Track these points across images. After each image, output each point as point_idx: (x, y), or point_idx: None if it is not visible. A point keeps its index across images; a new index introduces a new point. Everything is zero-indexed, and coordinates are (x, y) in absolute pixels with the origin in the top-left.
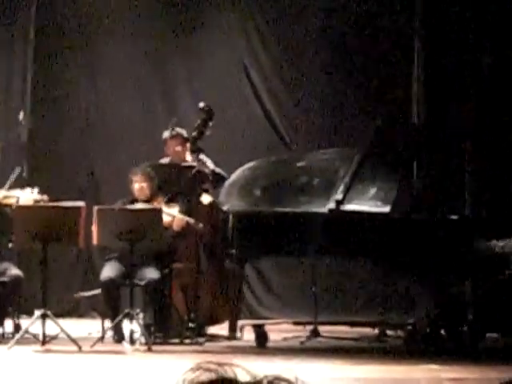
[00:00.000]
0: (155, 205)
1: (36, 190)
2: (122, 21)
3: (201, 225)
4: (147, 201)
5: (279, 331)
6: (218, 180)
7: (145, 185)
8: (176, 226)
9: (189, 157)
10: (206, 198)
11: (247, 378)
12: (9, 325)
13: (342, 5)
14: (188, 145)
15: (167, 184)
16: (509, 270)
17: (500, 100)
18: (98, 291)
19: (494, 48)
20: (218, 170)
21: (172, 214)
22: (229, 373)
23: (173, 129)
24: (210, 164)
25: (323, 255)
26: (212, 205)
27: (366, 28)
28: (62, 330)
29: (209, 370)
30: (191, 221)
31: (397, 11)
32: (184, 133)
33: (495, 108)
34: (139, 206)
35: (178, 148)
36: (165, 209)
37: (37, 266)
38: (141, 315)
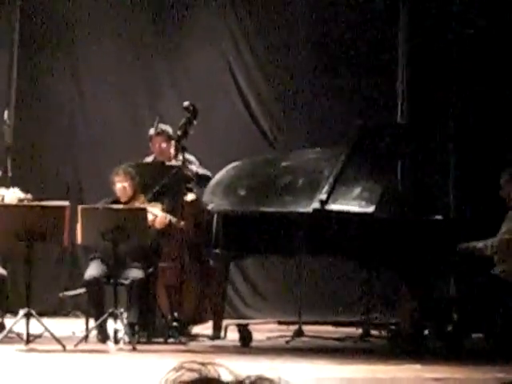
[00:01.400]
0: (137, 204)
1: (17, 189)
2: (106, 20)
3: (182, 223)
4: (129, 200)
5: (263, 331)
6: (202, 181)
7: (126, 184)
8: (158, 225)
9: (173, 153)
10: (189, 197)
11: (230, 378)
12: None
13: (327, 5)
14: (173, 142)
15: (151, 183)
16: (493, 271)
17: (485, 99)
18: (82, 290)
19: (478, 46)
20: (201, 171)
21: (154, 213)
22: (212, 372)
23: (158, 126)
24: (195, 162)
25: (307, 255)
26: (196, 203)
27: (351, 27)
28: (46, 329)
29: (192, 369)
30: (173, 219)
31: (381, 11)
32: (169, 130)
33: (480, 108)
34: (122, 205)
35: (164, 145)
36: (148, 208)
37: (21, 265)
38: (125, 314)
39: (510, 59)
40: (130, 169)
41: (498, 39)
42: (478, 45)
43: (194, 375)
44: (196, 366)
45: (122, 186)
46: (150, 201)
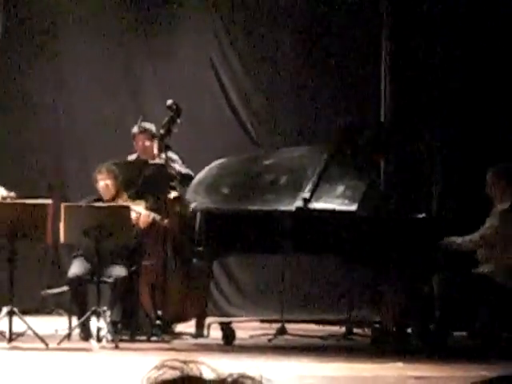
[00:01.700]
0: (120, 202)
1: (2, 188)
2: (89, 19)
3: (166, 221)
4: (112, 199)
5: (246, 329)
6: (184, 180)
7: (109, 182)
8: (142, 223)
9: (156, 151)
10: (173, 194)
11: (212, 376)
12: None
13: (311, 5)
14: (156, 140)
15: (134, 181)
16: (476, 269)
17: (468, 98)
18: (65, 288)
19: (463, 47)
20: (184, 170)
21: (138, 211)
22: (194, 371)
23: (141, 124)
24: (178, 160)
25: (291, 253)
26: (180, 201)
27: (335, 26)
28: (29, 327)
29: (174, 367)
30: (157, 217)
31: (364, 10)
32: (153, 128)
33: (465, 105)
34: (105, 203)
35: (147, 143)
36: (131, 206)
37: (4, 263)
38: (108, 312)
39: (493, 58)
40: (112, 167)
41: (481, 38)
42: (462, 43)
43: (176, 373)
44: (178, 364)
45: (104, 184)
46: (133, 199)
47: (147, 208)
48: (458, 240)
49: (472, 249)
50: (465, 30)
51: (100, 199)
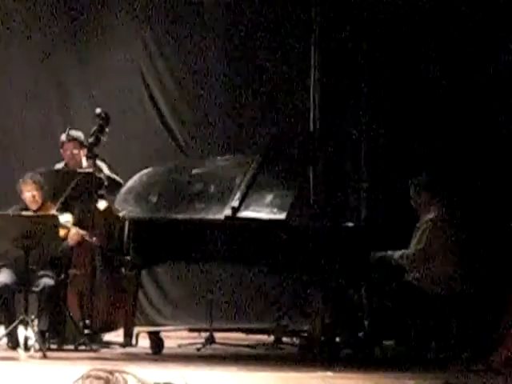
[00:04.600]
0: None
1: None
2: (16, 26)
3: (95, 238)
4: (39, 209)
5: (175, 338)
6: (113, 186)
7: (36, 193)
8: (71, 240)
9: (85, 161)
10: (101, 204)
11: None
12: None
13: (240, 13)
14: (85, 149)
15: (62, 190)
16: (404, 278)
17: (396, 107)
18: None
19: (391, 56)
20: (113, 175)
21: (67, 227)
22: (119, 380)
23: (69, 132)
24: (106, 170)
25: (219, 262)
26: (108, 211)
27: (265, 36)
28: None
29: (99, 377)
30: (86, 235)
31: (294, 21)
32: (81, 136)
33: (392, 115)
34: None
35: (75, 151)
36: (60, 218)
37: None
38: (35, 322)
39: (419, 67)
40: (38, 177)
41: (407, 48)
42: (389, 53)
43: (101, 383)
44: (103, 374)
45: (31, 194)
46: (59, 210)
47: (76, 219)
48: (396, 255)
49: (409, 265)
50: (393, 41)
51: (26, 209)
